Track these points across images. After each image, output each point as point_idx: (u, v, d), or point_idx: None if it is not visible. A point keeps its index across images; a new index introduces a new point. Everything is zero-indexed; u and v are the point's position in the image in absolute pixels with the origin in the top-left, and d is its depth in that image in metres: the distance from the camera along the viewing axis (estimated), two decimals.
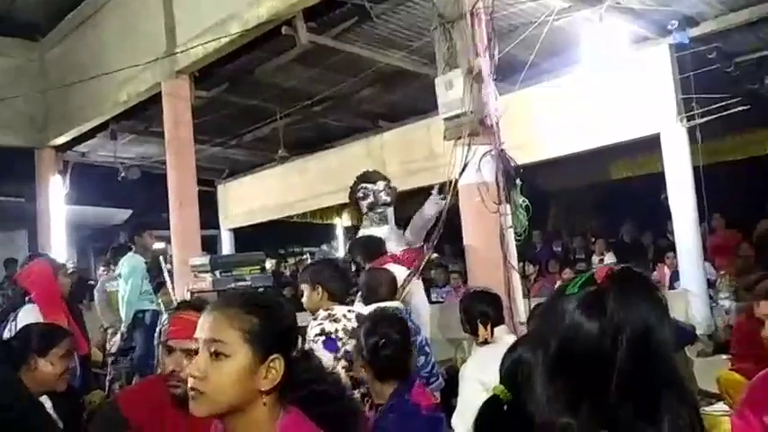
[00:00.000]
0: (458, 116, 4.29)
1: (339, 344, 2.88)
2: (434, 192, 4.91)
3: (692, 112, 6.34)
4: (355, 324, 2.90)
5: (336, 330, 2.93)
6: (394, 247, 4.86)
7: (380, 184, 5.29)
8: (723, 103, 6.10)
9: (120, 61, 7.32)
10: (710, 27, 6.75)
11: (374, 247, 4.58)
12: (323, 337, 2.90)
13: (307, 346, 2.79)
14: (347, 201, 5.57)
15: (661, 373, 1.03)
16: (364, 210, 5.30)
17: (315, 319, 3.04)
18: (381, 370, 2.44)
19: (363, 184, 5.32)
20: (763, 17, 6.55)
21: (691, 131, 6.39)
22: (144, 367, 6.12)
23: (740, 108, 6.09)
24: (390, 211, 5.26)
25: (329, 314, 3.02)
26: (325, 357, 2.78)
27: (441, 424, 2.48)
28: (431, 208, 4.86)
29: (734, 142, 9.34)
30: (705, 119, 6.26)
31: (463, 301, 3.35)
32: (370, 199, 5.25)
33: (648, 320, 1.03)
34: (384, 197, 5.22)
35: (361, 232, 5.23)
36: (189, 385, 1.30)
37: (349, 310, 3.10)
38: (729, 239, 8.30)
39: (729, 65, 7.46)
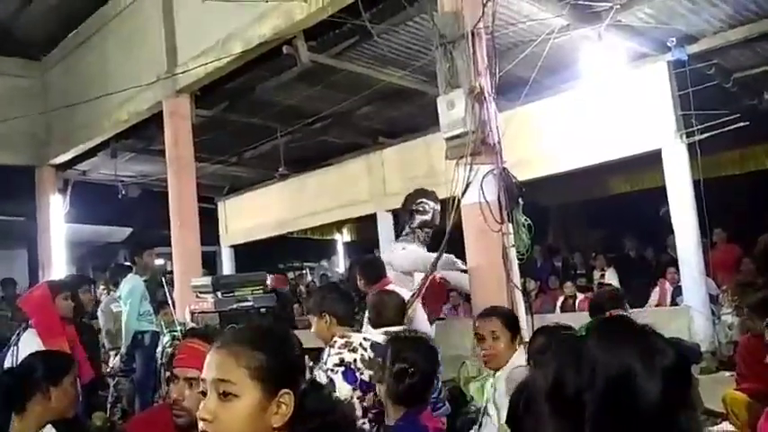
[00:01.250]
0: (459, 136, 4.27)
1: (357, 374, 2.85)
2: (458, 262, 4.78)
3: (691, 128, 6.35)
4: (372, 354, 2.87)
5: (355, 360, 2.88)
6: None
7: (438, 206, 5.20)
8: (722, 120, 6.12)
9: (122, 80, 7.34)
10: (709, 44, 6.81)
11: (375, 271, 4.53)
12: (342, 368, 2.85)
13: (325, 377, 2.77)
14: (349, 216, 5.53)
15: (644, 418, 1.02)
16: (415, 224, 5.21)
17: (332, 347, 2.98)
18: (400, 395, 2.38)
19: (425, 200, 5.22)
20: (762, 34, 6.60)
21: (690, 147, 6.40)
22: (144, 388, 6.08)
23: (739, 124, 6.10)
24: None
25: (346, 342, 2.97)
26: (345, 389, 2.76)
27: None
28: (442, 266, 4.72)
29: (733, 157, 9.38)
30: (704, 135, 6.28)
31: None
32: (428, 216, 5.16)
33: (628, 368, 1.03)
34: (438, 220, 5.14)
35: (403, 245, 5.14)
36: (200, 428, 1.28)
37: (365, 338, 3.06)
38: (731, 254, 8.28)
39: (728, 81, 7.51)
